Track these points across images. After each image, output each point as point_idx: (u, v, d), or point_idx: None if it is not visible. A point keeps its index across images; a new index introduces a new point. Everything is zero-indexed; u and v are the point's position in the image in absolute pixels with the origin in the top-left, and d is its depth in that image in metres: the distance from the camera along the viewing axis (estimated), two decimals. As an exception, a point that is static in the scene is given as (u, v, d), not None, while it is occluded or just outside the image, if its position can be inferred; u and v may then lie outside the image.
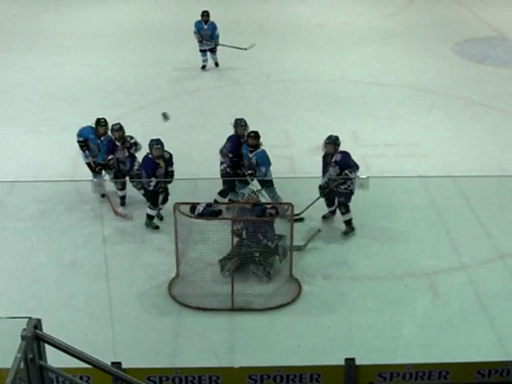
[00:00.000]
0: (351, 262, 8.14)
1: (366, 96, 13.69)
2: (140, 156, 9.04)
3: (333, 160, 8.58)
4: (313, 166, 9.68)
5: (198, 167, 10.38)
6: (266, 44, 16.49)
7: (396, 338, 7.05)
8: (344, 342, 6.66)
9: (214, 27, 14.67)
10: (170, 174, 8.85)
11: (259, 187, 8.99)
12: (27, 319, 4.10)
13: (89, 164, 9.63)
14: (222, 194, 9.23)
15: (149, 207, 8.94)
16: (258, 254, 7.83)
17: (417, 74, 15.02)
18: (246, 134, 9.06)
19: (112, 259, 8.08)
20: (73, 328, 7.00)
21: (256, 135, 8.90)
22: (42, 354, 4.20)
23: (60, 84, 14.27)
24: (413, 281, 7.97)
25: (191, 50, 15.40)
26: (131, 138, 9.23)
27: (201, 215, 7.59)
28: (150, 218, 9.00)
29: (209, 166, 10.01)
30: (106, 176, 9.64)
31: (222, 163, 9.19)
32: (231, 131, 9.22)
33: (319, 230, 8.81)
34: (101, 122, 9.38)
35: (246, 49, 15.06)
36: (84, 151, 9.58)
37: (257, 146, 8.91)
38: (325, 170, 8.78)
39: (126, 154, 9.19)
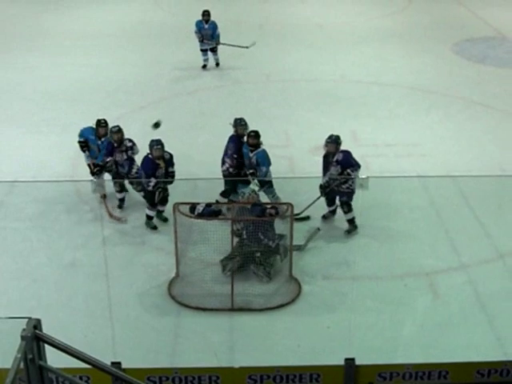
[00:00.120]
0: (351, 261, 8.15)
1: (366, 96, 13.70)
2: (139, 158, 9.02)
3: (334, 159, 8.59)
4: (312, 166, 9.69)
5: (198, 167, 10.39)
6: (266, 44, 16.48)
7: (396, 338, 7.06)
8: (344, 341, 6.67)
9: (214, 26, 14.68)
10: (170, 175, 8.83)
11: (260, 187, 9.00)
12: (27, 319, 4.10)
13: (89, 165, 9.62)
14: (224, 194, 9.22)
15: (148, 208, 8.95)
16: (258, 254, 7.83)
17: (416, 73, 15.03)
18: (246, 133, 9.06)
19: (112, 259, 8.09)
20: (72, 328, 7.00)
21: (256, 135, 8.91)
22: (41, 354, 4.20)
23: (60, 84, 14.27)
24: (412, 281, 7.97)
25: (191, 49, 15.41)
26: (130, 140, 9.18)
27: (200, 215, 7.59)
28: (149, 218, 9.01)
29: (208, 166, 10.01)
30: (106, 176, 9.62)
31: (223, 163, 9.18)
32: (231, 131, 9.22)
33: (318, 229, 8.83)
34: (101, 123, 9.35)
35: (247, 47, 15.05)
36: (84, 152, 9.58)
37: (257, 145, 8.91)
38: (325, 170, 8.79)
39: (125, 157, 9.15)
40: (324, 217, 9.17)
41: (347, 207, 8.76)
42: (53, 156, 11.00)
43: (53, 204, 9.61)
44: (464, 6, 20.91)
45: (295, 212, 8.04)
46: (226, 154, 9.16)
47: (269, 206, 7.96)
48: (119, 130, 9.07)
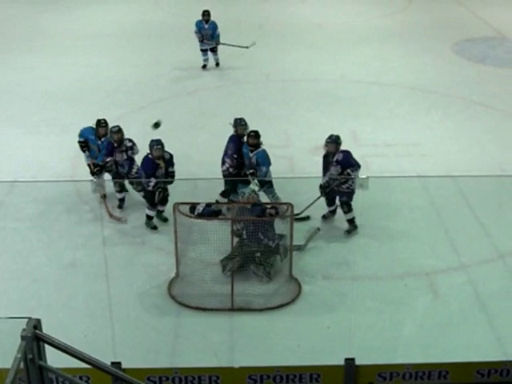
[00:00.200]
0: (351, 261, 8.15)
1: (366, 96, 13.70)
2: (139, 158, 9.02)
3: (334, 159, 8.59)
4: (312, 166, 9.69)
5: (198, 167, 10.38)
6: (265, 44, 16.49)
7: (396, 338, 7.05)
8: (344, 341, 6.66)
9: (214, 26, 14.68)
10: (170, 175, 8.82)
11: (260, 187, 9.00)
12: (27, 319, 4.10)
13: (89, 165, 9.62)
14: (224, 194, 9.22)
15: (148, 208, 8.94)
16: (258, 254, 7.83)
17: (416, 73, 15.03)
18: (246, 133, 9.06)
19: (112, 259, 8.08)
20: (72, 328, 7.00)
21: (256, 134, 8.90)
22: (41, 354, 4.20)
23: (60, 84, 14.27)
24: (412, 281, 7.97)
25: (191, 49, 15.42)
26: (130, 140, 9.17)
27: (200, 215, 7.59)
28: (148, 218, 9.01)
29: (208, 166, 10.01)
30: (106, 176, 9.61)
31: (223, 163, 9.18)
32: (231, 131, 9.22)
33: (318, 229, 8.83)
34: (101, 123, 9.34)
35: (247, 47, 15.05)
36: (84, 152, 9.58)
37: (257, 145, 8.91)
38: (325, 170, 8.79)
39: (125, 157, 9.14)
40: (324, 217, 9.17)
41: (347, 207, 8.76)
42: (53, 156, 11.00)
43: (53, 204, 9.61)
44: (464, 6, 20.91)
45: (295, 212, 8.04)
46: (226, 153, 9.16)
47: (269, 206, 7.96)
48: (119, 130, 9.06)
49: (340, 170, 8.58)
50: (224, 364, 6.56)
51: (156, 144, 8.61)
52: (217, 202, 8.92)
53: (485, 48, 16.99)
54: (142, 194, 9.13)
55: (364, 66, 15.53)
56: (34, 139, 11.68)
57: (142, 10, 20.57)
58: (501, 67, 15.61)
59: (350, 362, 6.14)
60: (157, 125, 9.47)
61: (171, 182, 8.84)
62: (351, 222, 8.85)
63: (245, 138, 9.07)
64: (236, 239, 7.80)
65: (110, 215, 9.23)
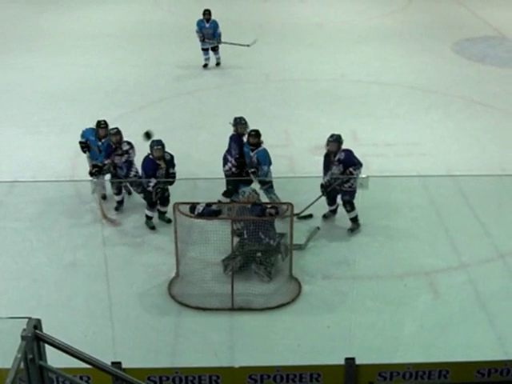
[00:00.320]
0: (351, 261, 8.14)
1: (366, 95, 13.69)
2: (139, 158, 8.98)
3: (336, 158, 8.58)
4: (312, 166, 9.69)
5: (198, 167, 10.38)
6: (265, 43, 16.46)
7: (396, 338, 7.05)
8: (344, 341, 6.66)
9: (215, 26, 14.70)
10: (171, 176, 8.77)
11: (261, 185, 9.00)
12: (27, 319, 4.10)
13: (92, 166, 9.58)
14: (226, 194, 9.21)
15: (147, 208, 8.93)
16: (259, 254, 7.83)
17: (416, 73, 15.03)
18: (246, 132, 9.05)
19: (112, 259, 8.08)
20: (73, 328, 7.00)
21: (257, 134, 8.89)
22: (41, 354, 4.20)
23: (60, 84, 14.27)
24: (412, 280, 7.97)
25: (191, 49, 15.42)
26: (128, 143, 9.05)
27: (200, 215, 7.59)
28: (148, 218, 9.00)
29: (208, 166, 10.02)
30: (107, 177, 9.57)
31: (225, 163, 9.17)
32: (231, 130, 9.22)
33: (318, 228, 8.84)
34: (101, 125, 9.27)
35: (248, 45, 15.05)
36: (85, 152, 9.54)
37: (258, 144, 8.90)
38: (326, 169, 8.78)
39: (123, 160, 9.06)
40: (325, 216, 9.16)
41: (350, 206, 8.76)
42: (52, 156, 11.00)
43: (53, 204, 9.61)
44: (464, 6, 20.90)
45: (295, 212, 8.04)
46: (229, 153, 9.14)
47: (269, 206, 7.96)
48: (117, 133, 8.99)
49: (342, 169, 8.57)
50: (224, 364, 6.56)
51: (156, 144, 8.60)
52: (219, 202, 8.91)
53: (485, 47, 16.99)
54: (142, 195, 9.09)
55: (364, 65, 15.53)
56: (33, 139, 11.68)
57: (142, 10, 20.57)
58: (501, 67, 15.61)
59: (350, 361, 6.14)
60: (148, 135, 8.91)
61: (172, 183, 8.81)
62: (354, 220, 8.85)
63: (245, 138, 9.07)
64: (236, 239, 7.80)
65: (105, 217, 9.16)
